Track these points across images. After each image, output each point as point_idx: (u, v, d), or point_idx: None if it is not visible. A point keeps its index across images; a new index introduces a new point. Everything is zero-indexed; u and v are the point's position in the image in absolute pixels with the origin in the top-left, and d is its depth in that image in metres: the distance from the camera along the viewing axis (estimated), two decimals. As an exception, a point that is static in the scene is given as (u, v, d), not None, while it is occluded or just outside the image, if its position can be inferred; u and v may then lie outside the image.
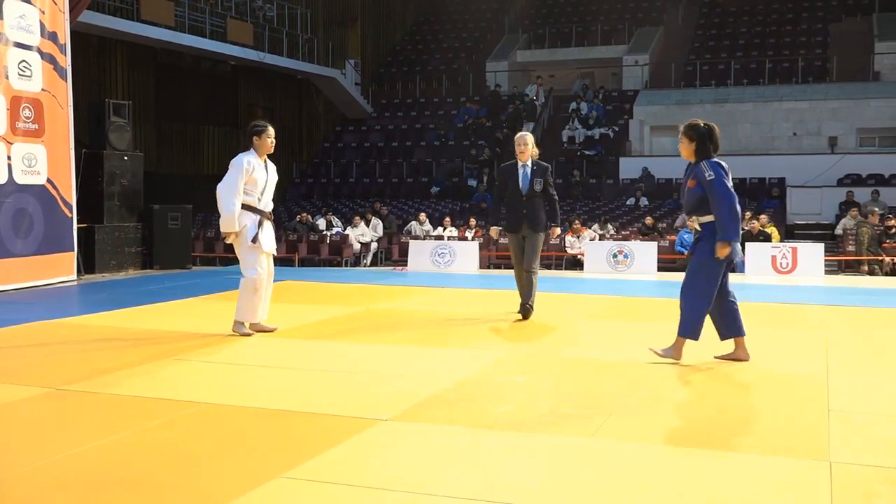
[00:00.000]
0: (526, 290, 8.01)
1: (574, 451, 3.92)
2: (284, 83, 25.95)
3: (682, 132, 5.93)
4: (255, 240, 6.79)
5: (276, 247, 7.18)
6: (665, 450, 3.93)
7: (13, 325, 7.57)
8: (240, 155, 6.86)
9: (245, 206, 6.80)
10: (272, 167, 7.02)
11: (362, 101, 27.44)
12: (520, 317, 7.97)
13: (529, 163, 8.08)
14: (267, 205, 6.95)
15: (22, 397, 4.94)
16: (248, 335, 6.85)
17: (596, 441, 4.05)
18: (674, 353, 5.83)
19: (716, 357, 5.94)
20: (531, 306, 7.96)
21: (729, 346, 5.98)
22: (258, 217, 6.85)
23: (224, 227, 6.80)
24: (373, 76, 29.30)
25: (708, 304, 5.77)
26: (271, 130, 6.91)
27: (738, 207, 5.69)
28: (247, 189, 6.77)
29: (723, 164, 5.78)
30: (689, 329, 5.77)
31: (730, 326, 5.89)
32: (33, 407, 4.78)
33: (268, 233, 6.96)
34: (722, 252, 5.65)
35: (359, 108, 27.46)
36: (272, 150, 6.94)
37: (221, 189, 6.76)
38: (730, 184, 5.71)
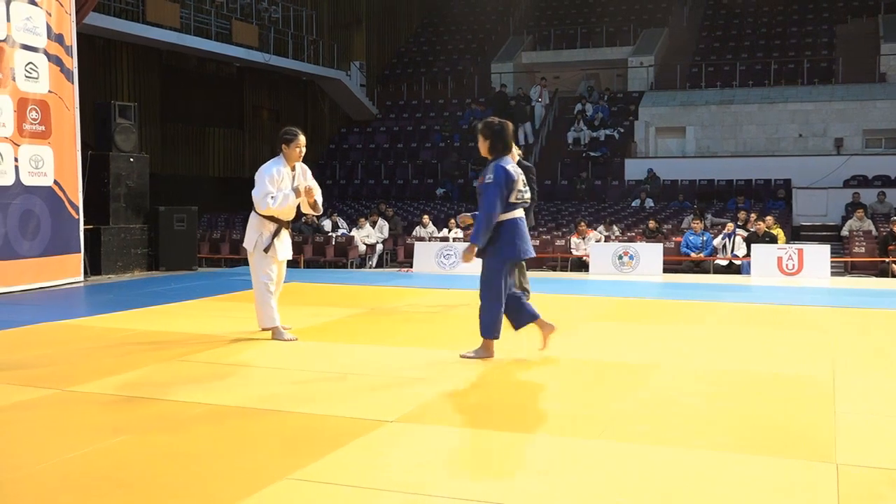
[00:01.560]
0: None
1: (580, 453, 3.91)
2: (290, 85, 25.98)
3: (478, 130, 6.02)
4: (268, 249, 6.78)
5: (290, 254, 7.12)
6: (670, 451, 3.93)
7: (20, 326, 7.59)
8: (267, 163, 6.81)
9: (265, 217, 6.79)
10: (303, 171, 6.93)
11: (367, 103, 27.46)
12: None
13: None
14: (290, 214, 6.90)
15: (28, 398, 4.95)
16: (293, 339, 6.76)
17: (601, 442, 4.05)
18: (484, 352, 5.96)
19: (540, 350, 6.07)
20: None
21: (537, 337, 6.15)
22: (276, 227, 6.83)
23: (288, 204, 6.73)
24: (378, 78, 29.32)
25: (500, 303, 5.90)
26: (302, 139, 6.81)
27: (493, 220, 5.76)
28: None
29: (509, 168, 5.78)
30: (489, 331, 5.93)
31: (521, 316, 6.07)
32: (39, 408, 4.79)
33: (285, 241, 6.94)
34: (467, 257, 5.89)
35: (364, 110, 27.49)
36: (300, 159, 6.86)
37: (256, 197, 6.73)
38: (517, 189, 5.76)
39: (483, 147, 5.90)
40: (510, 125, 5.96)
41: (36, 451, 3.96)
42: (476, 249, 5.83)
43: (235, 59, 22.95)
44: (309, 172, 7.02)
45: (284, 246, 6.95)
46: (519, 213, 5.88)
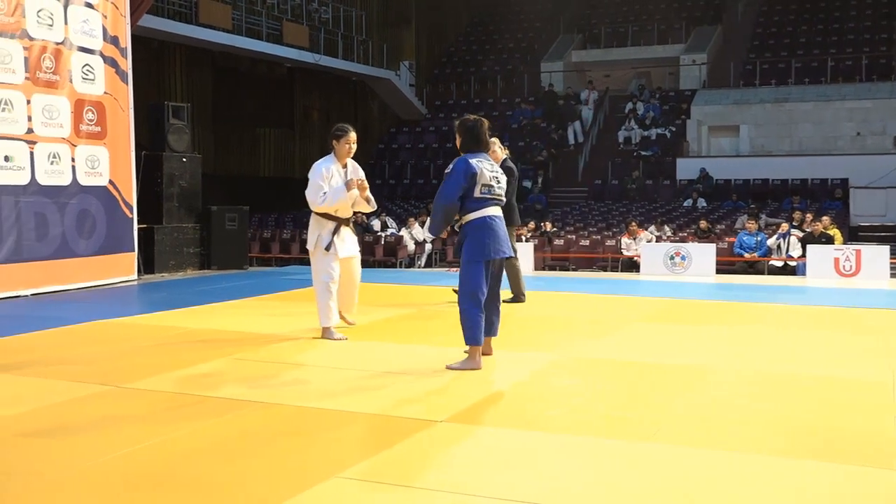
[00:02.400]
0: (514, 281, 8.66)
1: (630, 456, 3.87)
2: (339, 85, 26.16)
3: (455, 127, 5.92)
4: (328, 247, 6.78)
5: (356, 251, 7.11)
6: (723, 455, 3.87)
7: (75, 323, 7.74)
8: (319, 161, 6.83)
9: (321, 215, 6.82)
10: (354, 168, 6.92)
11: (417, 103, 27.53)
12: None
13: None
14: (346, 210, 6.90)
15: (83, 395, 5.05)
16: (342, 339, 6.78)
17: (652, 445, 4.01)
18: (471, 363, 5.65)
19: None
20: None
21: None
22: (334, 225, 6.82)
23: (341, 199, 6.71)
24: (427, 77, 29.38)
25: (477, 307, 5.61)
26: (352, 135, 6.80)
27: (447, 211, 5.64)
28: None
29: (472, 161, 5.60)
30: (470, 337, 5.63)
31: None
32: (93, 404, 4.88)
33: (346, 239, 6.91)
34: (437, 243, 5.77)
35: (413, 110, 27.57)
36: (351, 155, 6.84)
37: (308, 195, 6.79)
38: (482, 183, 5.57)
39: (458, 143, 5.84)
40: (485, 123, 5.83)
41: (90, 448, 4.03)
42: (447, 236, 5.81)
43: (286, 60, 23.17)
44: (361, 171, 7.00)
45: (346, 244, 6.90)
46: (491, 210, 5.65)
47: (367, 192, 6.85)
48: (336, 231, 6.81)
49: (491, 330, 5.89)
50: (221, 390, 5.12)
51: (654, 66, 27.79)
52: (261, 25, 22.02)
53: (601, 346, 6.77)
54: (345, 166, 6.87)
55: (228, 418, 4.53)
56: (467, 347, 5.68)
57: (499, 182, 5.70)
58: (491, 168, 5.69)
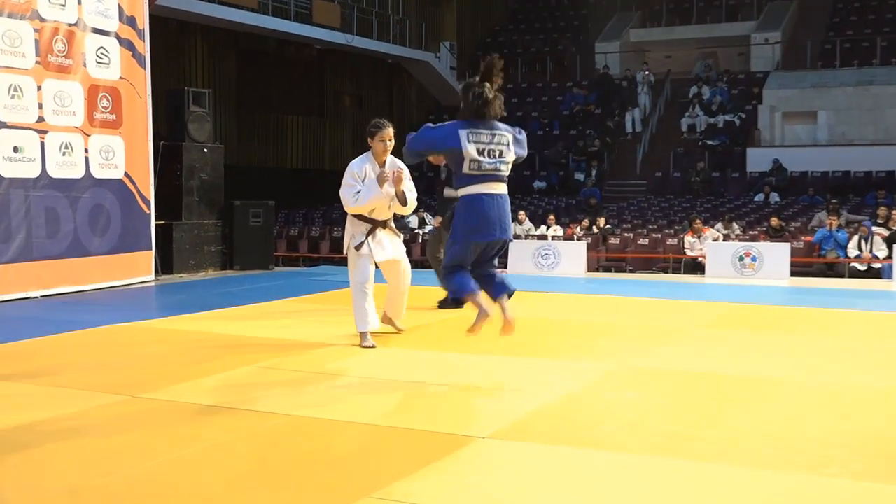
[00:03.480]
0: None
1: (692, 477, 3.85)
2: (374, 68, 26.26)
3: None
4: (359, 247, 6.81)
5: (398, 254, 7.10)
6: (798, 478, 3.83)
7: (88, 327, 7.85)
8: (354, 160, 6.86)
9: (356, 216, 6.84)
10: (393, 166, 6.89)
11: (458, 87, 27.49)
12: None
13: None
14: (383, 212, 6.90)
15: (96, 404, 5.13)
16: (370, 346, 6.79)
17: (716, 466, 3.98)
18: (481, 316, 5.72)
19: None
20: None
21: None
22: (368, 227, 6.83)
23: (373, 198, 6.74)
24: (470, 59, 29.34)
25: (459, 270, 5.68)
26: (387, 131, 6.78)
27: (414, 148, 5.74)
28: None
29: (462, 135, 5.51)
30: (460, 290, 5.70)
31: (490, 289, 5.86)
32: (107, 415, 4.95)
33: (382, 241, 6.91)
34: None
35: (454, 95, 27.52)
36: (388, 153, 6.84)
37: (342, 196, 6.83)
38: (470, 158, 5.51)
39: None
40: (486, 89, 5.60)
41: (102, 462, 4.10)
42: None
43: (316, 41, 23.32)
44: (406, 171, 6.94)
45: (384, 247, 6.91)
46: (484, 187, 5.58)
47: (403, 185, 6.83)
48: (371, 233, 6.84)
49: (497, 289, 5.82)
50: (246, 402, 5.17)
51: (722, 45, 27.50)
52: (288, 4, 22.19)
53: (661, 355, 6.73)
54: (382, 165, 6.86)
55: (253, 432, 4.57)
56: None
57: (496, 154, 5.60)
58: (489, 140, 5.58)
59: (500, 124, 5.72)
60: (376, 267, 6.98)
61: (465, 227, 5.63)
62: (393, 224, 7.11)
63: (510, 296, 5.84)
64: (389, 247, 6.99)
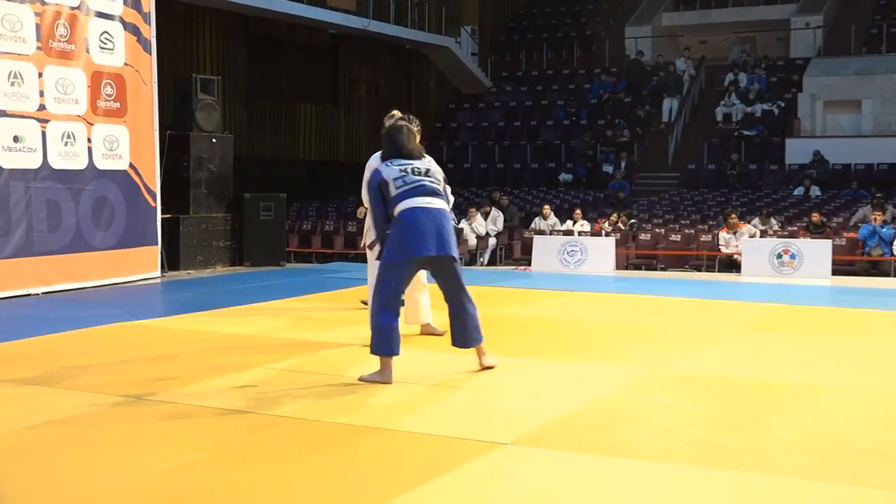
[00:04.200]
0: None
1: (729, 487, 3.85)
2: (391, 54, 26.28)
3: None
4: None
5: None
6: (838, 489, 3.82)
7: (91, 326, 7.91)
8: (375, 154, 6.86)
9: None
10: (424, 162, 6.92)
11: (480, 74, 27.53)
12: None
13: None
14: None
15: (97, 406, 5.17)
16: (440, 334, 6.92)
17: (755, 476, 3.97)
18: (381, 376, 5.70)
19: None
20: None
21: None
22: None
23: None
24: (493, 45, 29.36)
25: (389, 312, 5.73)
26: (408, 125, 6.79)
27: (377, 219, 5.97)
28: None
29: (380, 169, 5.91)
30: (377, 345, 5.73)
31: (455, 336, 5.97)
32: (108, 417, 5.00)
33: None
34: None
35: (476, 82, 27.58)
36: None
37: (363, 193, 6.90)
38: (392, 178, 5.81)
39: None
40: (404, 127, 6.13)
41: (102, 468, 4.13)
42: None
43: (330, 26, 23.34)
44: (432, 162, 6.93)
45: None
46: (416, 201, 5.76)
47: None
48: None
49: (466, 339, 5.97)
50: (258, 405, 5.20)
51: (760, 29, 27.37)
52: (301, -14, 22.21)
53: (694, 358, 6.72)
54: None
55: (266, 436, 4.60)
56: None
57: (420, 173, 5.85)
58: (409, 164, 5.88)
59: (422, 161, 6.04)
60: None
61: (399, 244, 5.75)
62: None
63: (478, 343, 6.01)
64: None
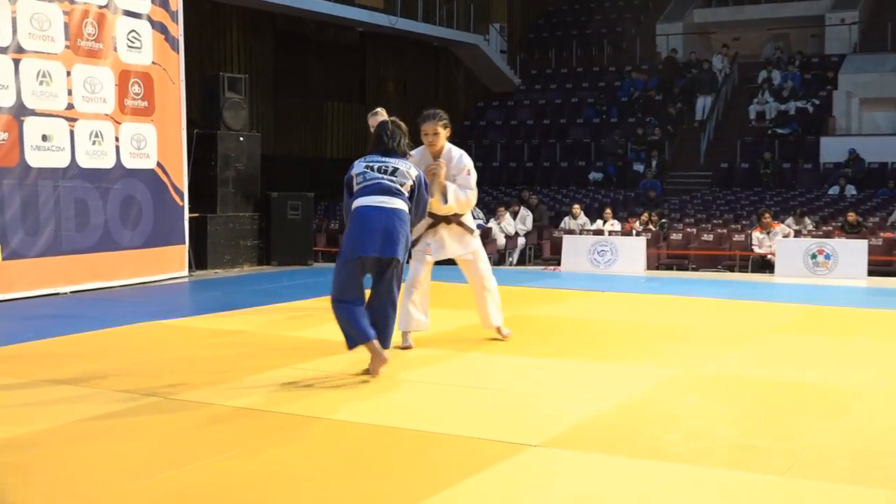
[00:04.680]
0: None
1: (761, 492, 3.82)
2: (419, 52, 26.29)
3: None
4: (414, 244, 6.78)
5: (462, 252, 7.03)
6: (873, 493, 3.79)
7: (118, 325, 7.98)
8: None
9: None
10: (449, 158, 6.84)
11: (509, 72, 27.51)
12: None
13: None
14: (438, 207, 6.82)
15: (127, 406, 5.21)
16: (408, 347, 6.84)
17: (788, 480, 3.95)
18: (377, 360, 5.77)
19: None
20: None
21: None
22: (428, 221, 6.79)
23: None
24: (521, 43, 29.32)
25: (346, 302, 5.82)
26: (427, 125, 6.74)
27: (344, 213, 6.05)
28: None
29: (354, 164, 6.01)
30: (352, 337, 5.83)
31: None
32: (138, 417, 5.03)
33: (443, 238, 6.91)
34: None
35: (505, 80, 27.56)
36: (433, 147, 6.79)
37: None
38: (354, 174, 5.92)
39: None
40: (393, 125, 6.15)
41: (132, 467, 4.16)
42: None
43: (357, 23, 23.37)
44: (465, 159, 6.89)
45: (441, 244, 6.90)
46: (370, 199, 5.80)
47: (443, 180, 6.73)
48: (431, 229, 6.84)
49: (387, 340, 5.97)
50: (286, 405, 5.22)
51: (794, 25, 27.18)
52: (329, -16, 22.27)
53: (728, 360, 6.69)
54: (436, 157, 6.83)
55: (292, 437, 4.62)
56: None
57: (385, 171, 5.88)
58: (381, 160, 5.94)
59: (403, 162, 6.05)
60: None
61: (348, 242, 5.85)
62: (465, 220, 7.04)
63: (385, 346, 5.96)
64: (452, 245, 6.96)
